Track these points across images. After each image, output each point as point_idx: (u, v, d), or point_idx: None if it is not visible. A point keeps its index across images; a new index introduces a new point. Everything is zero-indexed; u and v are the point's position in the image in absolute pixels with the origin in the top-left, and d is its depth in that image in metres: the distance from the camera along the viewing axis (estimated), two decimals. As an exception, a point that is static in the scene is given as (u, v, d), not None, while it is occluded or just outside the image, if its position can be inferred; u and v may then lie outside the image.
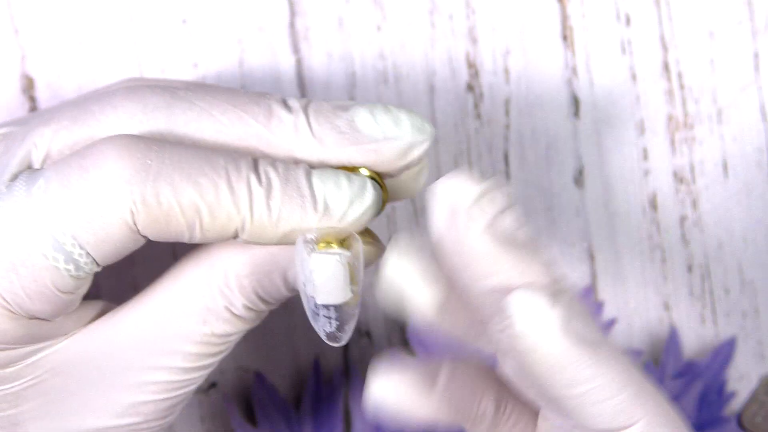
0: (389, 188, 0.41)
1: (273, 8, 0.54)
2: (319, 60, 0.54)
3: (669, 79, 0.55)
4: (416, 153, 0.40)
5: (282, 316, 0.56)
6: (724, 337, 0.57)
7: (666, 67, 0.55)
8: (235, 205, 0.37)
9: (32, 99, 0.53)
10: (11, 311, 0.38)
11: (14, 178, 0.39)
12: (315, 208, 0.38)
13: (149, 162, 0.37)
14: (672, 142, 0.56)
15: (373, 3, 0.54)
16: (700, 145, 0.56)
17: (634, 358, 0.39)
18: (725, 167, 0.56)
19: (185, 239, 0.38)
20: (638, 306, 0.57)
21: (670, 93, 0.55)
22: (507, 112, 0.55)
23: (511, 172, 0.55)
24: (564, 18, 0.55)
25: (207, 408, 0.57)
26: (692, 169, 0.56)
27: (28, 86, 0.53)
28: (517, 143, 0.55)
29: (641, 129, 0.56)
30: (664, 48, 0.55)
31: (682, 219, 0.56)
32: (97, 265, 0.38)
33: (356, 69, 0.54)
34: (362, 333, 0.57)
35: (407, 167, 0.40)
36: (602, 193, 0.56)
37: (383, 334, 0.57)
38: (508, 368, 0.39)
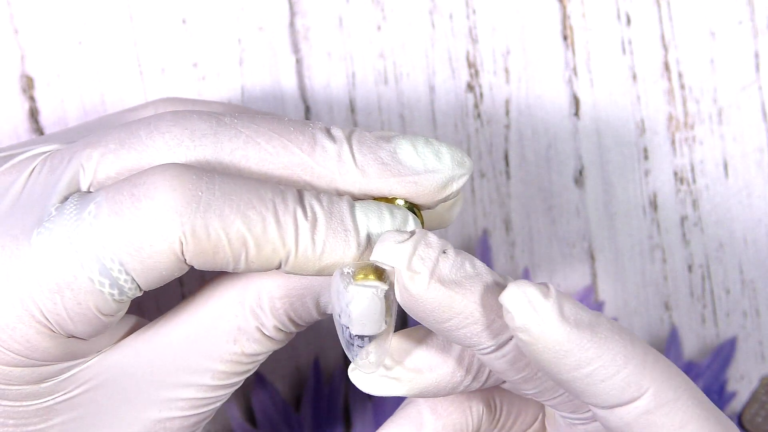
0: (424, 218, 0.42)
1: (273, 8, 0.54)
2: (319, 60, 0.54)
3: (669, 79, 0.55)
4: (455, 186, 0.41)
5: (282, 316, 0.56)
6: (724, 338, 0.57)
7: (666, 67, 0.55)
8: (281, 239, 0.38)
9: (32, 99, 0.53)
10: (52, 330, 0.39)
11: (64, 200, 0.39)
12: (358, 242, 0.38)
13: (200, 193, 0.38)
14: (672, 142, 0.56)
15: (373, 3, 0.54)
16: (700, 145, 0.56)
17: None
18: (725, 167, 0.56)
19: (230, 269, 0.39)
20: (638, 306, 0.57)
21: (670, 93, 0.55)
22: (507, 112, 0.55)
23: (511, 172, 0.55)
24: (564, 18, 0.55)
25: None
26: (692, 169, 0.56)
27: (28, 86, 0.53)
28: (517, 143, 0.55)
29: (641, 129, 0.55)
30: (665, 48, 0.55)
31: (683, 219, 0.56)
32: (140, 290, 0.39)
33: (356, 69, 0.54)
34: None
35: (445, 200, 0.41)
36: (602, 193, 0.56)
37: (383, 334, 0.57)
38: (502, 374, 0.39)
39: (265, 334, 0.41)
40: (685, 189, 0.56)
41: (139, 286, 0.39)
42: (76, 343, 0.40)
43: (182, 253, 0.38)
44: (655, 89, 0.55)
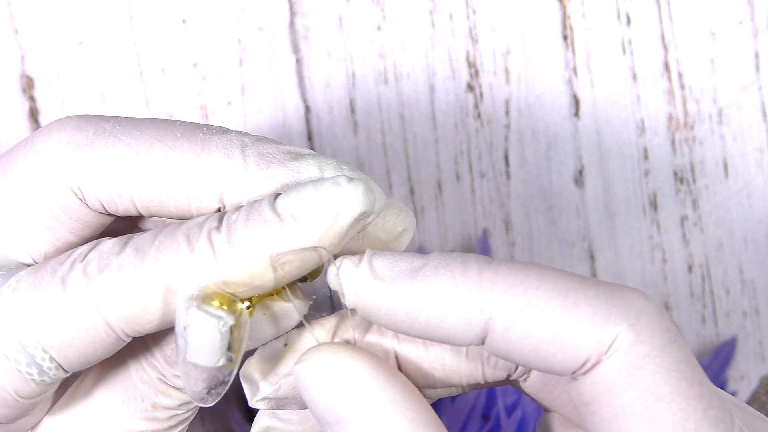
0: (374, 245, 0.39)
1: (273, 8, 0.54)
2: (319, 60, 0.54)
3: (669, 79, 0.55)
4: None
5: (282, 316, 0.56)
6: (724, 338, 0.57)
7: (666, 67, 0.55)
8: (199, 264, 0.35)
9: (32, 99, 0.53)
10: None
11: None
12: (280, 224, 0.35)
13: (112, 258, 0.36)
14: (672, 142, 0.56)
15: (373, 3, 0.54)
16: (700, 145, 0.56)
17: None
18: (725, 167, 0.56)
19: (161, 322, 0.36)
20: (638, 306, 0.57)
21: (670, 93, 0.55)
22: (507, 112, 0.55)
23: (511, 172, 0.55)
24: (564, 18, 0.55)
25: (207, 408, 0.57)
26: (692, 169, 0.56)
27: (28, 86, 0.53)
28: (517, 143, 0.55)
29: (641, 129, 0.55)
30: (665, 48, 0.55)
31: (683, 219, 0.56)
32: (64, 370, 0.36)
33: (356, 69, 0.54)
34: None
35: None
36: (602, 193, 0.56)
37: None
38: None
39: (169, 384, 0.38)
40: (685, 189, 0.56)
41: (61, 366, 0.36)
42: None
43: (108, 327, 0.35)
44: (655, 89, 0.55)
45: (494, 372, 0.37)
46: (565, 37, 0.55)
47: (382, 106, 0.55)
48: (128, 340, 0.36)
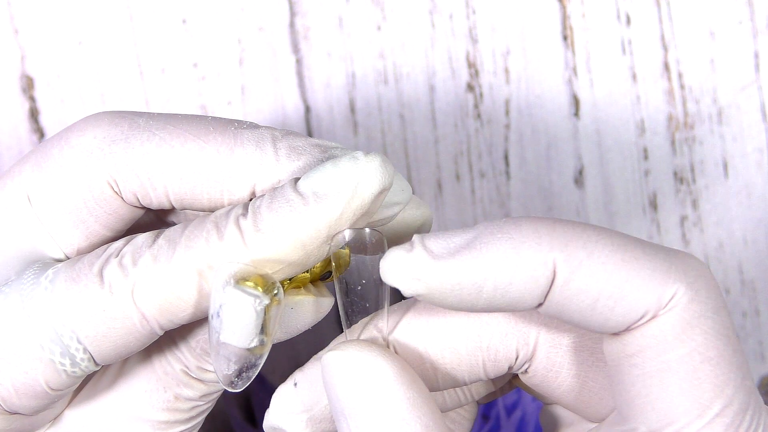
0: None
1: (273, 8, 0.54)
2: (319, 60, 0.54)
3: (669, 79, 0.55)
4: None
5: (282, 316, 0.56)
6: (724, 337, 0.57)
7: (666, 67, 0.55)
8: (227, 249, 0.36)
9: (32, 99, 0.53)
10: None
11: (28, 266, 0.38)
12: (304, 204, 0.35)
13: (148, 250, 0.37)
14: (672, 142, 0.56)
15: (373, 3, 0.54)
16: (700, 145, 0.56)
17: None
18: (725, 167, 0.56)
19: (195, 307, 0.37)
20: (638, 306, 0.57)
21: (670, 93, 0.55)
22: (507, 112, 0.55)
23: (511, 172, 0.55)
24: (564, 18, 0.55)
25: (207, 408, 0.57)
26: (692, 169, 0.56)
27: (28, 86, 0.53)
28: (517, 143, 0.55)
29: (641, 129, 0.55)
30: (665, 48, 0.55)
31: (682, 219, 0.56)
32: (95, 363, 0.37)
33: (356, 69, 0.54)
34: (362, 333, 0.57)
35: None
36: (602, 193, 0.56)
37: (383, 334, 0.57)
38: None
39: (192, 376, 0.39)
40: (685, 189, 0.56)
41: (93, 357, 0.37)
42: (16, 421, 0.38)
43: (143, 318, 0.36)
44: (655, 89, 0.55)
45: (495, 365, 0.37)
46: (565, 37, 0.55)
47: (382, 106, 0.55)
48: (161, 332, 0.37)
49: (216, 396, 0.40)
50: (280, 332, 0.38)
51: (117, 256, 0.36)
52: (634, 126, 0.55)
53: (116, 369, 0.40)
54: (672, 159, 0.56)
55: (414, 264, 0.34)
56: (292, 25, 0.54)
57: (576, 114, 0.55)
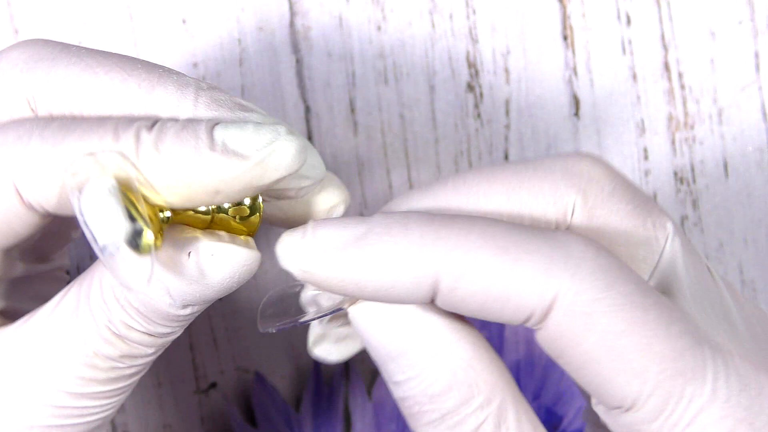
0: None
1: (273, 8, 0.54)
2: (319, 60, 0.54)
3: (669, 79, 0.55)
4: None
5: (282, 316, 0.56)
6: (724, 338, 0.57)
7: (666, 67, 0.55)
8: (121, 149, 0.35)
9: (32, 99, 0.53)
10: None
11: None
12: (211, 147, 0.35)
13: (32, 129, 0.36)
14: (672, 142, 0.56)
15: (373, 3, 0.54)
16: (700, 145, 0.56)
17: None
18: (725, 167, 0.56)
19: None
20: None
21: (670, 93, 0.55)
22: (507, 112, 0.55)
23: (511, 172, 0.55)
24: (564, 18, 0.55)
25: (207, 408, 0.57)
26: (692, 169, 0.56)
27: (28, 86, 0.53)
28: (517, 143, 0.55)
29: (641, 129, 0.55)
30: (665, 48, 0.55)
31: (683, 219, 0.56)
32: None
33: (356, 69, 0.54)
34: (362, 333, 0.57)
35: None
36: (602, 193, 0.56)
37: (383, 334, 0.57)
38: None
39: (114, 332, 0.38)
40: (685, 189, 0.56)
41: None
42: None
43: (18, 193, 0.36)
44: (655, 89, 0.55)
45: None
46: (565, 37, 0.55)
47: (382, 106, 0.55)
48: (36, 213, 0.36)
49: (141, 363, 0.39)
50: (209, 290, 0.36)
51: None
52: (634, 126, 0.55)
53: (48, 313, 0.39)
54: (672, 159, 0.56)
55: (302, 253, 0.34)
56: (292, 25, 0.54)
57: (576, 114, 0.55)
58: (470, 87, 0.55)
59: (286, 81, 0.54)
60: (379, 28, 0.54)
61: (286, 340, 0.56)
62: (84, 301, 0.38)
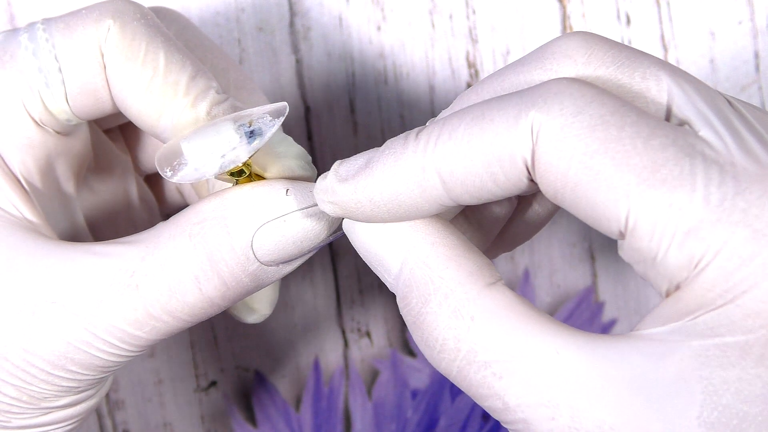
0: None
1: (273, 8, 0.54)
2: (319, 60, 0.54)
3: (669, 79, 0.55)
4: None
5: (282, 316, 0.56)
6: (724, 337, 0.57)
7: (666, 67, 0.55)
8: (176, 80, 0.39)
9: (32, 99, 0.53)
10: None
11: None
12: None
13: (139, 15, 0.40)
14: (672, 142, 0.56)
15: (373, 3, 0.54)
16: (700, 145, 0.56)
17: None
18: (725, 167, 0.56)
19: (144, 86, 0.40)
20: (638, 306, 0.57)
21: (670, 93, 0.55)
22: (507, 112, 0.55)
23: (511, 172, 0.55)
24: (564, 18, 0.55)
25: (207, 408, 0.57)
26: (692, 169, 0.56)
27: (28, 86, 0.53)
28: (517, 143, 0.55)
29: (641, 129, 0.55)
30: (664, 48, 0.55)
31: (682, 219, 0.56)
32: (59, 71, 0.39)
33: (356, 69, 0.54)
34: (362, 333, 0.57)
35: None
36: (602, 193, 0.56)
37: (383, 333, 0.57)
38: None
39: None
40: (685, 189, 0.56)
41: (61, 70, 0.39)
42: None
43: (104, 43, 0.39)
44: (655, 89, 0.55)
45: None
46: (565, 37, 0.55)
47: (382, 106, 0.55)
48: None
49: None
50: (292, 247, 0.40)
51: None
52: (634, 126, 0.55)
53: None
54: (672, 159, 0.56)
55: (326, 188, 0.37)
56: (292, 25, 0.54)
57: (576, 114, 0.55)
58: (470, 87, 0.55)
59: (286, 81, 0.54)
60: (379, 28, 0.54)
61: (286, 339, 0.57)
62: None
